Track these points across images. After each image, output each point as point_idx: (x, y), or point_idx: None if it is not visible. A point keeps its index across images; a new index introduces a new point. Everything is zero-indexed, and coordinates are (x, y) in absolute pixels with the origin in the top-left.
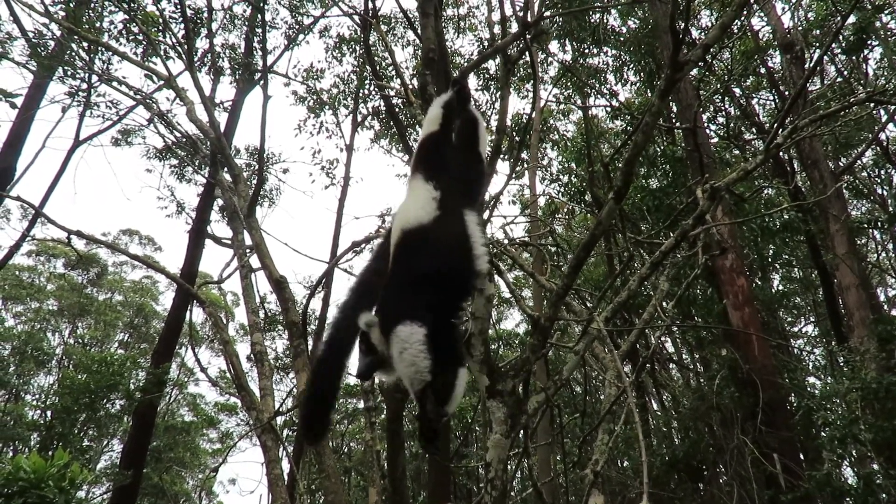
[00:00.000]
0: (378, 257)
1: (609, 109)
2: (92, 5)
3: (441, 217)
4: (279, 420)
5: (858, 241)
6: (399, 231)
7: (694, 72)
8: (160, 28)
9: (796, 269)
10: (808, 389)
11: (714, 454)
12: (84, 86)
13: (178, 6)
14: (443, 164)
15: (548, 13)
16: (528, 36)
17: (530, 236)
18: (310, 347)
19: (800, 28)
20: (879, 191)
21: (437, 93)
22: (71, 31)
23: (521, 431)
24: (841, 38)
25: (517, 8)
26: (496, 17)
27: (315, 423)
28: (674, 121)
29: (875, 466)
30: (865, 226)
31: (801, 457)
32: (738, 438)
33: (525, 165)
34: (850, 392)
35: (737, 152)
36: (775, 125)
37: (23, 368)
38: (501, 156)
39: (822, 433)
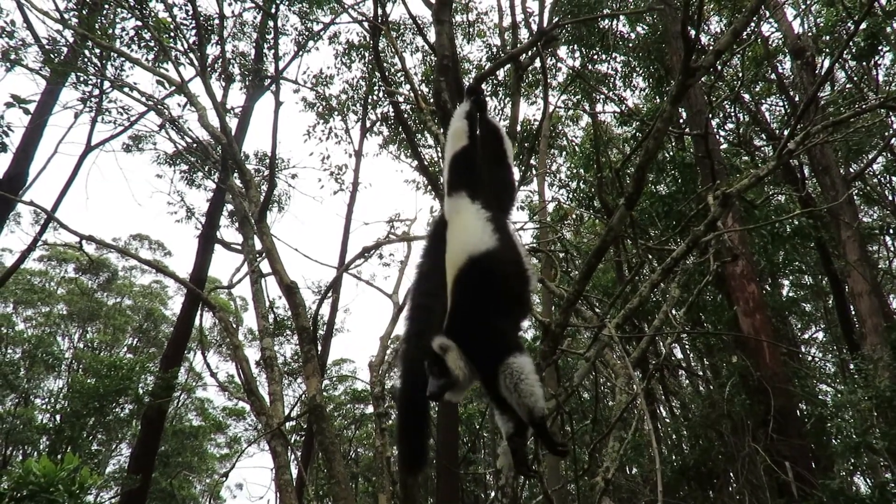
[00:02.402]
0: (425, 278)
1: (618, 115)
2: (105, 12)
3: (501, 239)
4: (288, 425)
5: (870, 248)
6: (466, 257)
7: (703, 77)
8: (172, 34)
9: (807, 276)
10: (820, 397)
11: (725, 462)
12: (96, 91)
13: (191, 13)
14: (481, 179)
15: (557, 19)
16: (539, 43)
17: (539, 242)
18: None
19: (810, 34)
20: (891, 197)
21: (451, 99)
22: (84, 37)
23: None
24: (851, 44)
25: (527, 14)
26: (506, 22)
27: (416, 456)
28: (684, 126)
29: (889, 475)
30: (877, 232)
31: (814, 465)
32: (750, 446)
33: (534, 171)
34: (863, 400)
35: (746, 158)
36: (787, 131)
37: (33, 372)
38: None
39: (835, 441)
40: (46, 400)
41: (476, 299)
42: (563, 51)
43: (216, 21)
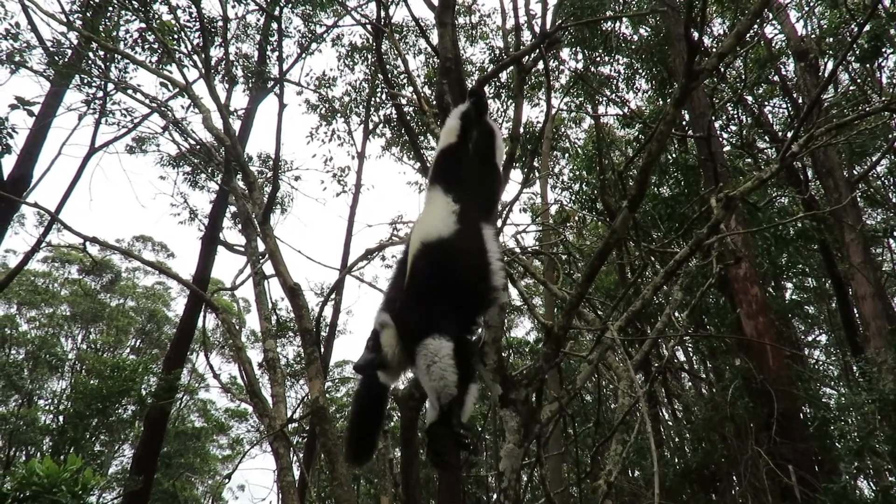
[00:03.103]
0: (401, 274)
1: (620, 117)
2: (109, 14)
3: (460, 231)
4: (290, 427)
5: (874, 251)
6: (419, 243)
7: (706, 80)
8: (176, 37)
9: (810, 279)
10: (824, 400)
11: (727, 465)
12: (100, 93)
13: (195, 15)
14: (461, 176)
15: (560, 22)
16: (542, 45)
17: (542, 245)
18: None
19: (813, 36)
20: (895, 199)
21: (453, 101)
22: (89, 39)
23: (534, 441)
24: (855, 46)
25: (530, 17)
26: (509, 24)
27: (361, 446)
28: (686, 129)
29: (892, 479)
30: (881, 235)
31: (817, 468)
32: (753, 449)
33: (537, 174)
34: (866, 403)
35: (750, 161)
36: (790, 134)
37: (36, 373)
38: (514, 164)
39: (838, 445)
40: (50, 401)
41: (419, 282)
42: (565, 53)
43: (220, 23)
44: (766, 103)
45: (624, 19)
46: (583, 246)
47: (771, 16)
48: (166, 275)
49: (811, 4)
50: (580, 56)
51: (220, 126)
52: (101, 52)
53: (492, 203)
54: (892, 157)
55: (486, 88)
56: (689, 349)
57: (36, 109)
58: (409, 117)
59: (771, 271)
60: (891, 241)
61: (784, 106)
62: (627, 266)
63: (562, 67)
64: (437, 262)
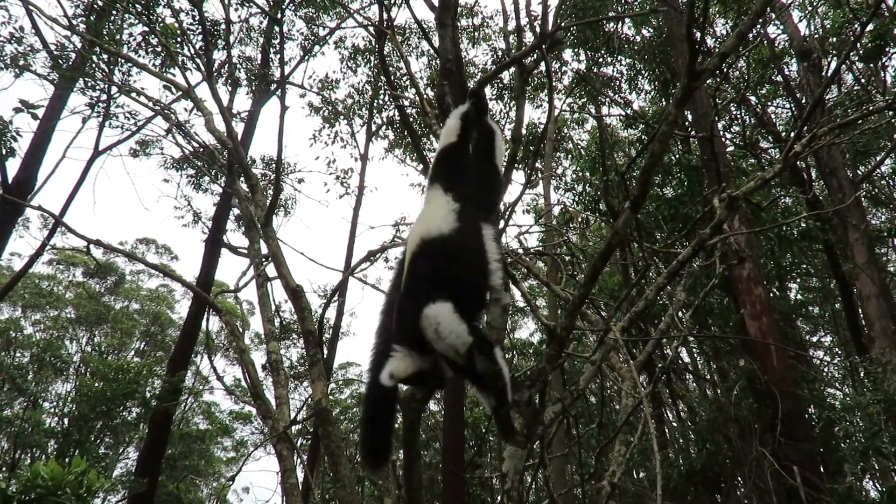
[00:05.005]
0: (400, 274)
1: (623, 118)
2: (112, 18)
3: (460, 229)
4: (294, 429)
5: (878, 251)
6: (418, 239)
7: (709, 80)
8: (178, 40)
9: (814, 279)
10: (829, 401)
11: (732, 466)
12: (104, 97)
13: (197, 19)
14: (461, 175)
15: (562, 22)
16: (544, 46)
17: (545, 245)
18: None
19: (816, 35)
20: None
21: (455, 103)
22: (92, 43)
23: (538, 442)
24: (858, 45)
25: (531, 18)
26: (511, 26)
27: (376, 449)
28: (689, 129)
29: None
30: (885, 235)
31: (822, 469)
32: (757, 450)
33: (539, 175)
34: (871, 404)
35: (753, 161)
36: (794, 133)
37: (41, 376)
38: (516, 165)
39: (843, 445)
40: (54, 403)
41: (418, 278)
42: (568, 54)
43: (223, 26)
44: (769, 103)
45: (626, 20)
46: (586, 247)
47: (773, 16)
48: (170, 277)
49: (814, 4)
50: (582, 57)
51: (223, 129)
52: (105, 56)
53: (492, 203)
54: None
55: (488, 89)
56: (693, 350)
57: (40, 113)
58: (411, 119)
59: (775, 272)
60: (895, 241)
61: (787, 106)
62: (630, 267)
63: (564, 68)
64: (436, 259)
